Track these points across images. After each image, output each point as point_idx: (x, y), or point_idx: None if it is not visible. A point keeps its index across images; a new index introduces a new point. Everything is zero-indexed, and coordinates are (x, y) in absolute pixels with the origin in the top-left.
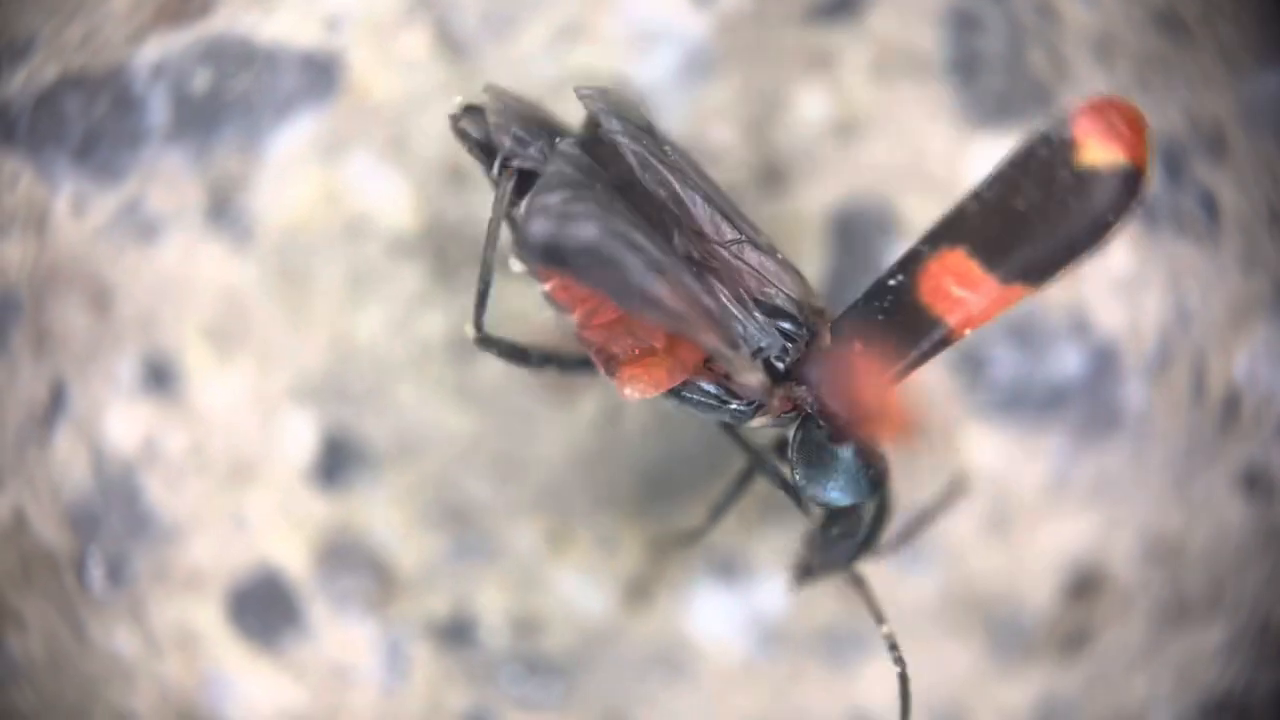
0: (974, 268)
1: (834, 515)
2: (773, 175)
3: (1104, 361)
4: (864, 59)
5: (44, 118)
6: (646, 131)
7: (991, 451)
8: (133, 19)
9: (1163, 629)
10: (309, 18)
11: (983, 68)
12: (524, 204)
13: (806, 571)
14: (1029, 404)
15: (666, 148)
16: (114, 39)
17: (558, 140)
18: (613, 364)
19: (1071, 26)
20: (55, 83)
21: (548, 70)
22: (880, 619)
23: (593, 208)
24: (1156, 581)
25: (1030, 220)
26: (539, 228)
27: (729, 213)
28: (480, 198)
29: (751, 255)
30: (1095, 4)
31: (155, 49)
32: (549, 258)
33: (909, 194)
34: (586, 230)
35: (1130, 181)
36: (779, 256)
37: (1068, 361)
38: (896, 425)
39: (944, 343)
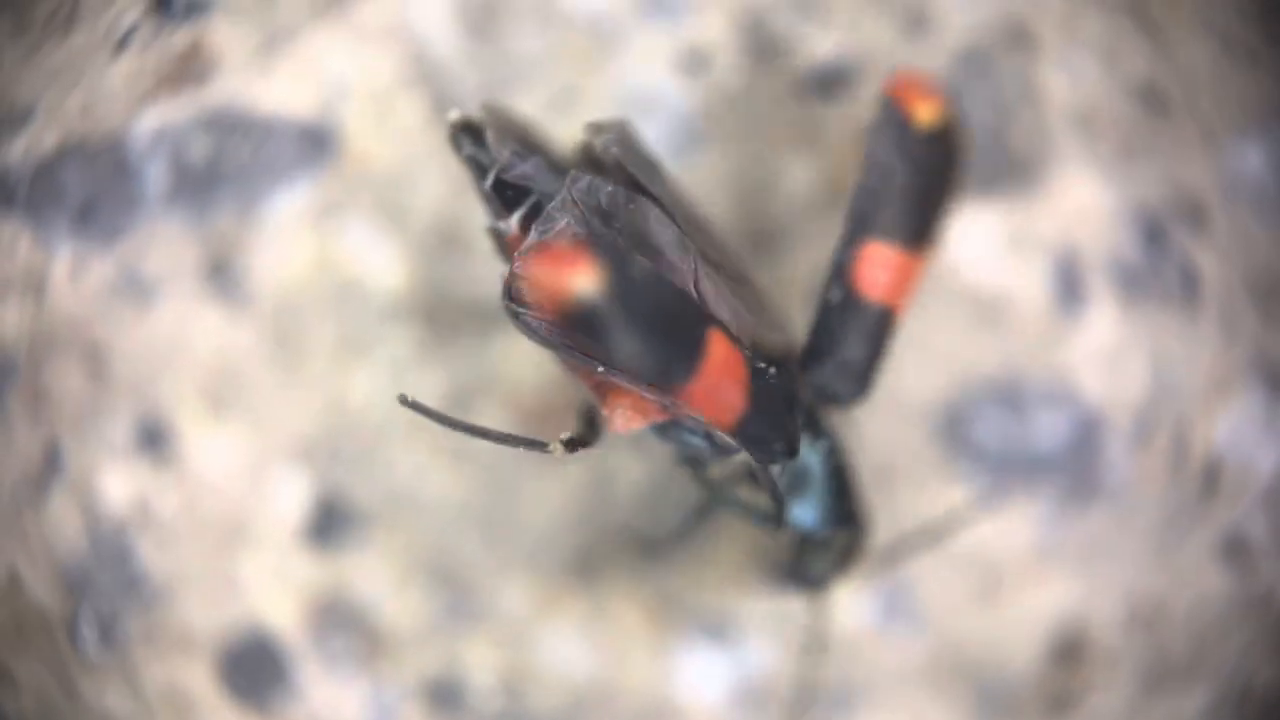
0: (889, 250)
1: (808, 539)
2: (761, 242)
3: (1087, 428)
4: (852, 133)
5: (44, 185)
6: (652, 168)
7: (976, 517)
8: (132, 88)
9: (1146, 693)
10: (306, 87)
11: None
12: (530, 234)
13: (785, 580)
14: (1013, 470)
15: (668, 185)
16: (114, 108)
17: (571, 174)
18: (603, 389)
19: (1054, 101)
20: (55, 150)
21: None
22: (821, 647)
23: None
24: (1140, 646)
25: (908, 192)
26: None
27: (723, 246)
28: (472, 262)
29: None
30: (1077, 79)
31: (155, 118)
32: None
33: None
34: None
35: (954, 131)
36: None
37: (1052, 428)
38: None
39: (892, 325)
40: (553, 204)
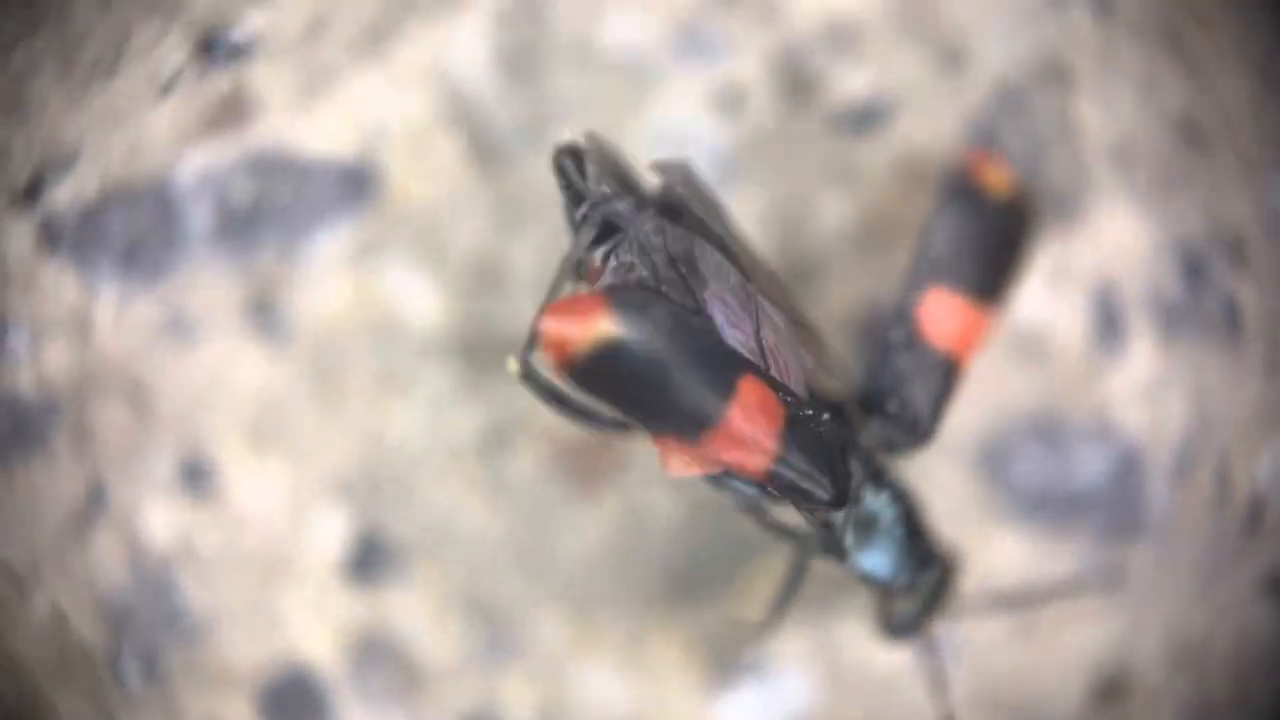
0: (956, 299)
1: (889, 589)
2: (797, 278)
3: (1128, 465)
4: (887, 169)
5: (89, 227)
6: (715, 209)
7: (1017, 554)
8: (176, 131)
9: None
10: (347, 128)
11: None
12: (603, 274)
13: (881, 629)
14: (1053, 507)
15: (731, 226)
16: (158, 151)
17: (642, 214)
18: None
19: (1091, 135)
20: (100, 193)
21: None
22: (944, 695)
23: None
24: (1182, 684)
25: (979, 247)
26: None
27: (783, 288)
28: (509, 298)
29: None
30: (1114, 114)
31: (198, 161)
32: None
33: None
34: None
35: (1025, 201)
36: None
37: (1092, 465)
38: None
39: (957, 374)
40: (621, 248)
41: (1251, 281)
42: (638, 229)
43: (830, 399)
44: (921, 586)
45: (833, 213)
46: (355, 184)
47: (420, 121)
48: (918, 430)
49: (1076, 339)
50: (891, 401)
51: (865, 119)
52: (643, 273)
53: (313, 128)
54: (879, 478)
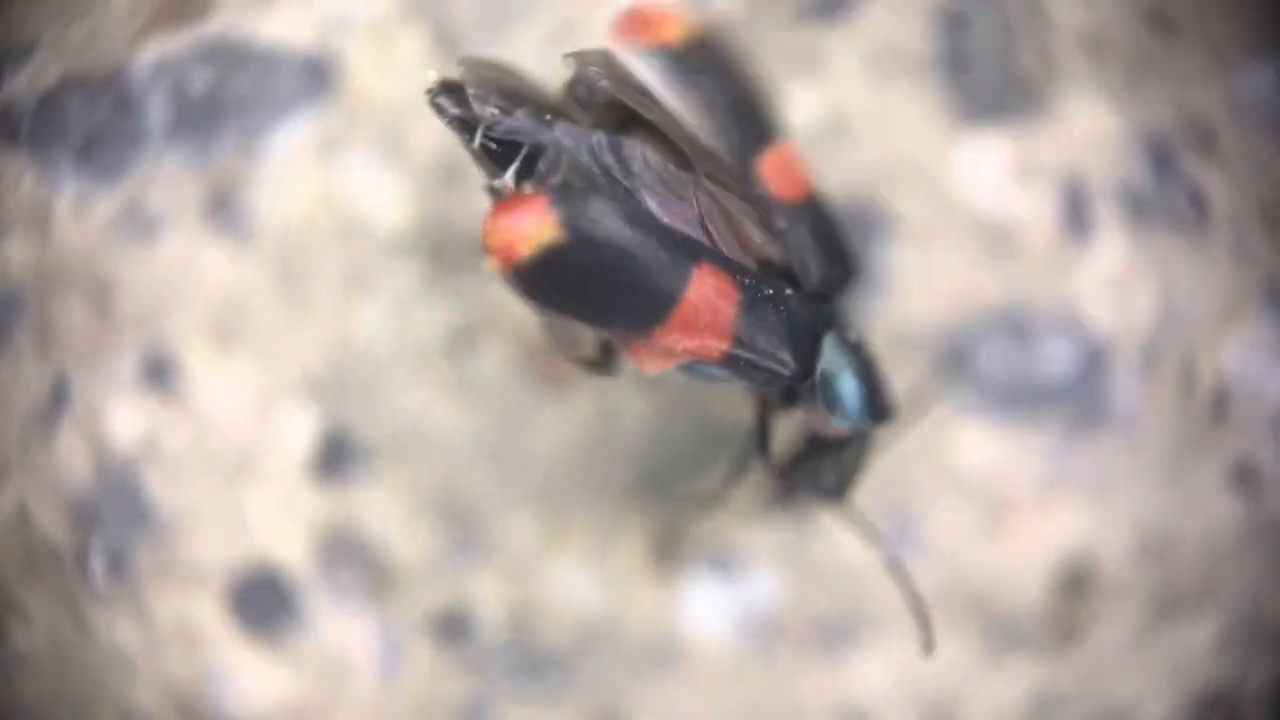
0: (765, 156)
1: (819, 442)
2: None
3: (1094, 358)
4: (855, 58)
5: (46, 119)
6: (644, 95)
7: (982, 448)
8: (133, 21)
9: (1155, 623)
10: (307, 20)
11: (973, 66)
12: (519, 184)
13: (791, 485)
14: (1019, 401)
15: (664, 111)
16: (115, 41)
17: (558, 125)
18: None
19: (1061, 25)
20: (57, 84)
21: (543, 70)
22: (905, 580)
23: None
24: (1148, 576)
25: (728, 103)
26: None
27: (729, 166)
28: (476, 196)
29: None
30: (1086, 3)
31: (155, 51)
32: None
33: (901, 192)
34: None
35: (705, 35)
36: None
37: (1058, 358)
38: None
39: (817, 208)
40: (541, 161)
41: (1219, 172)
42: (555, 141)
43: (784, 269)
44: (846, 451)
45: (801, 104)
46: (316, 75)
47: (382, 13)
48: (834, 270)
49: (1044, 231)
50: (800, 260)
51: (833, 6)
52: (569, 179)
53: (271, 17)
54: (839, 333)
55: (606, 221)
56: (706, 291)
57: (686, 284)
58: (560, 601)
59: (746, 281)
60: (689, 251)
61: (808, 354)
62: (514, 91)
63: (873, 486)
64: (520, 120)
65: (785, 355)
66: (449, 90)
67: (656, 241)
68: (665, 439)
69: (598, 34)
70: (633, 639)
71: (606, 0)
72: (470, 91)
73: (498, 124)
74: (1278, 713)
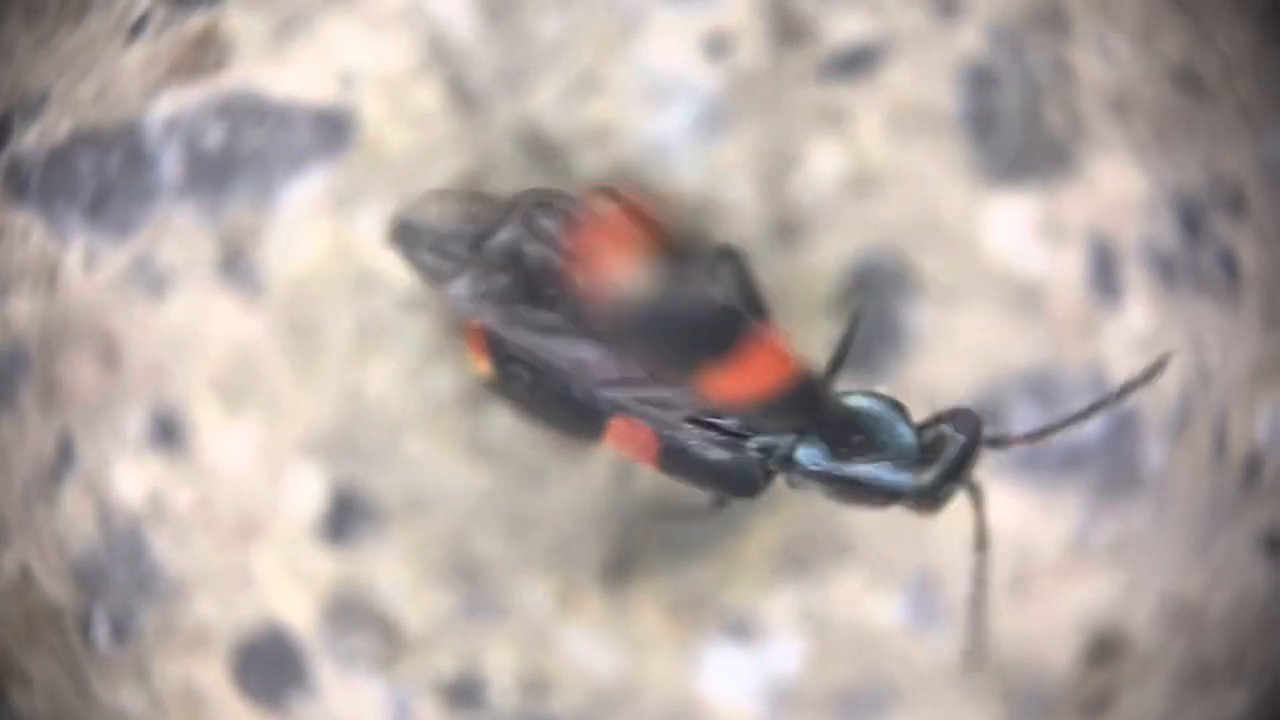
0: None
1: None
2: (786, 230)
3: (1123, 420)
4: (879, 115)
5: (56, 173)
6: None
7: (1009, 511)
8: (147, 74)
9: (1185, 693)
10: (323, 72)
11: (999, 125)
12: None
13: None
14: (1047, 463)
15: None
16: (128, 95)
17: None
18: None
19: (1089, 84)
20: (68, 139)
21: (561, 124)
22: (983, 544)
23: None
24: (1178, 645)
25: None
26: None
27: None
28: None
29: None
30: (1112, 61)
31: (169, 105)
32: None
33: (926, 251)
34: None
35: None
36: None
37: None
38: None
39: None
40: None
41: (1249, 234)
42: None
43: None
44: (941, 458)
45: (822, 159)
46: (331, 129)
47: (398, 65)
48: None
49: (1071, 292)
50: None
51: (856, 64)
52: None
53: (287, 70)
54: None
55: (523, 378)
56: (623, 440)
57: (602, 433)
58: (574, 668)
59: (664, 434)
60: (599, 411)
61: (749, 478)
62: (453, 233)
63: (895, 549)
64: (461, 256)
65: (718, 482)
66: (401, 232)
67: (562, 403)
68: (681, 501)
69: (614, 89)
70: (648, 707)
71: (625, 50)
72: (403, 249)
73: (445, 272)
74: None
